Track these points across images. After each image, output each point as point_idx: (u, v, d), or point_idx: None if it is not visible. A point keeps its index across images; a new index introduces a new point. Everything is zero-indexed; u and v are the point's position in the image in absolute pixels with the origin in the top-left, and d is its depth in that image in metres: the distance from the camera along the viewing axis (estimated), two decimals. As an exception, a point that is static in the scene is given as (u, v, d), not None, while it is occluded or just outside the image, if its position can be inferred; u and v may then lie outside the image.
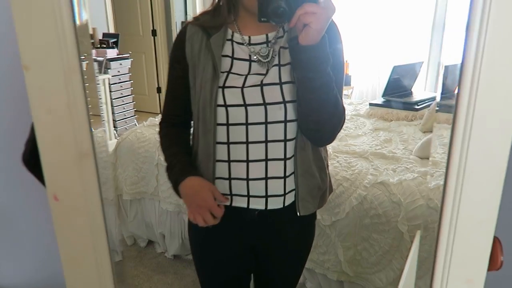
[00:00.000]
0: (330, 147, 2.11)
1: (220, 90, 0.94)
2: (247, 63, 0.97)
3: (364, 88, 4.71)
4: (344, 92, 4.65)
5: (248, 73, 0.96)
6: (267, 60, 0.96)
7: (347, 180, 1.79)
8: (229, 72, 0.96)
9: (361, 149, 2.08)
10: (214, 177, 1.00)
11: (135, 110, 4.39)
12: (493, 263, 0.49)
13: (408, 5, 4.10)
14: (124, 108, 4.22)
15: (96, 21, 4.21)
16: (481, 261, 0.47)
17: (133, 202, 2.33)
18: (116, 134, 4.06)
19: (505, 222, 0.75)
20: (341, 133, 2.40)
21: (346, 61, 4.59)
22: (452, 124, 0.48)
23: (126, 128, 4.11)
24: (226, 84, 0.95)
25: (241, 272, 1.17)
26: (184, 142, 1.09)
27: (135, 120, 4.36)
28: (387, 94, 2.82)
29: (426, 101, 2.76)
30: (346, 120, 2.71)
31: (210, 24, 0.99)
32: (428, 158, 1.93)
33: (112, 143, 3.55)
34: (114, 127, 4.11)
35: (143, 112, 5.05)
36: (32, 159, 0.47)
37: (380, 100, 2.86)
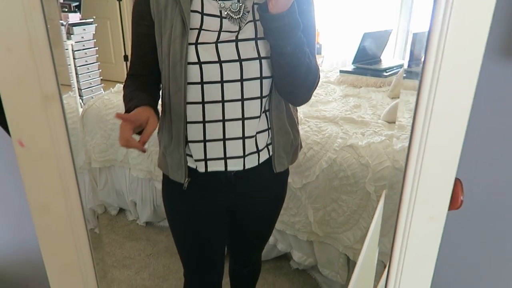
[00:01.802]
0: (301, 113, 2.13)
1: (193, 46, 0.91)
2: (218, 19, 0.94)
3: (335, 57, 4.73)
4: (315, 61, 4.65)
5: (220, 29, 0.93)
6: (238, 16, 0.94)
7: (317, 144, 1.82)
8: (200, 28, 0.93)
9: (331, 114, 2.11)
10: (186, 140, 0.98)
11: (101, 79, 4.24)
12: (454, 202, 0.52)
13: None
14: (89, 76, 4.07)
15: (56, -17, 3.97)
16: (443, 200, 0.50)
17: (102, 170, 2.29)
18: (82, 103, 3.93)
19: (466, 163, 0.80)
20: (312, 99, 2.42)
21: (317, 30, 4.57)
22: (418, 89, 0.49)
23: (92, 97, 3.98)
24: (199, 41, 0.91)
25: (217, 233, 1.18)
26: (150, 91, 1.01)
27: (102, 89, 4.22)
28: (357, 61, 2.84)
29: (394, 68, 2.81)
30: (317, 87, 2.73)
31: None
32: (395, 122, 1.99)
33: (78, 112, 3.44)
34: (80, 95, 3.97)
35: (110, 81, 4.88)
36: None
37: (350, 67, 2.88)
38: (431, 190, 0.50)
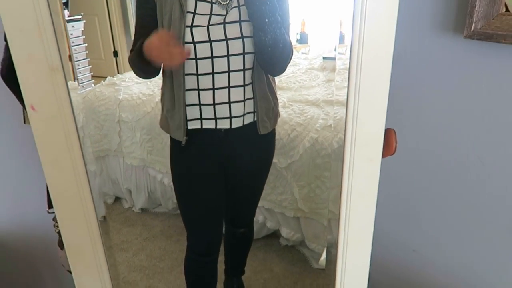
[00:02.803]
0: (285, 97, 2.23)
1: (188, 29, 1.08)
2: (209, 4, 1.11)
3: (321, 45, 4.82)
4: (302, 50, 4.75)
5: (211, 13, 1.10)
6: (226, 2, 1.11)
7: (300, 125, 1.93)
8: (194, 12, 1.09)
9: (314, 98, 2.22)
10: (185, 104, 1.16)
11: (91, 75, 4.30)
12: (389, 149, 0.63)
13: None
14: (80, 72, 4.12)
15: (42, -18, 4.01)
16: (377, 146, 0.61)
17: (97, 160, 2.38)
18: (74, 100, 3.99)
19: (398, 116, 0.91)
20: (296, 85, 2.53)
21: (303, 19, 4.65)
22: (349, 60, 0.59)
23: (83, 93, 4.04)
24: (194, 24, 1.09)
25: (213, 188, 1.34)
26: None
27: (92, 85, 4.28)
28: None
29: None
30: (301, 73, 2.83)
31: None
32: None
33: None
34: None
35: (100, 77, 4.93)
36: (9, 75, 0.55)
37: (333, 53, 2.98)
38: (368, 136, 0.61)
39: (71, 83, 0.57)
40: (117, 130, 2.24)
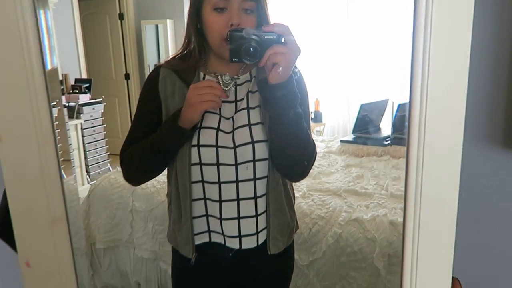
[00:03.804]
0: (304, 186, 2.14)
1: (197, 131, 0.98)
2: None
3: (336, 123, 4.84)
4: (317, 128, 4.77)
5: (220, 114, 1.00)
6: (233, 101, 1.02)
7: (322, 218, 1.81)
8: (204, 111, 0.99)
9: (335, 187, 2.12)
10: (192, 216, 1.03)
11: (108, 154, 4.33)
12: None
13: (375, 45, 4.31)
14: (97, 152, 4.17)
15: (68, 67, 4.22)
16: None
17: (106, 250, 2.27)
18: (89, 179, 3.98)
19: (465, 261, 0.79)
20: (315, 171, 2.45)
21: (317, 98, 4.74)
22: (406, 155, 0.52)
23: (99, 173, 4.04)
24: (203, 125, 0.99)
25: None
26: None
27: (109, 164, 4.29)
28: (356, 130, 2.91)
29: (394, 136, 2.86)
30: (319, 158, 2.78)
31: (181, 67, 1.03)
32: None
33: (84, 189, 3.48)
34: (87, 171, 4.03)
35: (117, 155, 4.99)
36: (3, 225, 0.47)
37: (350, 136, 2.95)
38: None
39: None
40: (130, 220, 2.15)
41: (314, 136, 3.98)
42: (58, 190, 0.44)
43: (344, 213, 1.81)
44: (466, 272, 0.65)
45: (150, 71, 1.09)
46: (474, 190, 0.80)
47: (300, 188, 2.10)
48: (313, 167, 2.50)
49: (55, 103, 0.53)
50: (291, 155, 0.97)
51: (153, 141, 0.99)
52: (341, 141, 2.93)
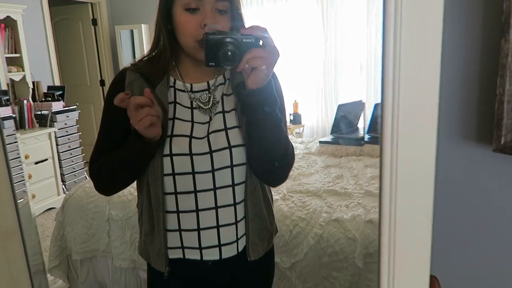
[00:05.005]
0: (284, 188, 2.13)
1: (168, 139, 0.93)
2: (189, 110, 0.97)
3: (315, 125, 4.86)
4: (296, 130, 4.78)
5: (192, 121, 0.96)
6: (207, 106, 0.97)
7: (302, 220, 1.80)
8: (173, 119, 0.95)
9: (314, 187, 2.12)
10: (165, 229, 0.97)
11: (84, 162, 4.23)
12: (434, 303, 0.50)
13: (351, 46, 4.36)
14: (72, 161, 4.06)
15: (40, 74, 4.11)
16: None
17: (83, 261, 2.20)
18: (65, 188, 3.87)
19: (441, 258, 0.79)
20: (294, 173, 2.44)
21: (295, 100, 4.75)
22: (380, 153, 0.50)
23: (75, 182, 3.93)
24: (174, 133, 0.93)
25: None
26: None
27: (85, 173, 4.19)
28: (335, 131, 2.93)
29: (372, 135, 2.89)
30: (298, 159, 2.77)
31: (150, 70, 0.97)
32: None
33: (60, 199, 3.38)
34: (63, 181, 3.92)
35: (94, 163, 4.87)
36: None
37: (329, 137, 2.96)
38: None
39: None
40: (107, 229, 2.09)
41: (293, 138, 3.98)
42: (9, 200, 0.41)
43: (324, 214, 1.81)
44: (442, 269, 0.64)
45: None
46: (448, 185, 0.80)
47: (280, 190, 2.09)
48: (292, 168, 2.49)
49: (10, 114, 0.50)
50: (271, 160, 0.94)
51: (122, 155, 0.93)
52: (320, 142, 2.94)
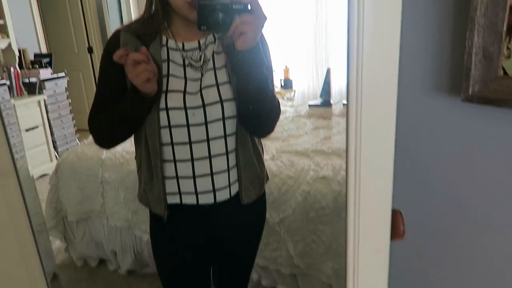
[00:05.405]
0: (273, 149, 2.19)
1: (163, 94, 1.00)
2: (182, 67, 1.03)
3: (306, 89, 4.87)
4: (287, 95, 4.79)
5: (185, 78, 1.02)
6: (199, 64, 1.04)
7: (291, 178, 1.87)
8: (168, 76, 1.02)
9: (303, 148, 2.17)
10: (163, 176, 1.06)
11: (76, 130, 4.24)
12: (396, 233, 0.56)
13: (338, 13, 4.30)
14: (64, 128, 4.07)
15: (26, 42, 4.03)
16: (384, 232, 0.54)
17: (79, 222, 2.26)
18: (57, 155, 3.90)
19: (406, 195, 0.85)
20: (284, 134, 2.49)
21: (286, 66, 4.74)
22: (347, 103, 0.54)
23: (67, 149, 3.96)
24: (169, 89, 1.01)
25: (198, 266, 1.23)
26: None
27: (77, 139, 4.21)
28: (324, 94, 2.95)
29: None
30: (288, 122, 2.81)
31: (143, 31, 1.03)
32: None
33: (53, 165, 3.41)
34: (55, 148, 3.94)
35: (85, 130, 4.87)
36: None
37: (318, 100, 2.99)
38: (371, 223, 0.54)
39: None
40: (100, 191, 2.14)
41: (283, 102, 4.01)
42: (3, 143, 0.45)
43: (312, 172, 1.87)
44: (407, 205, 0.69)
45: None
46: (420, 133, 0.85)
47: (269, 150, 2.14)
48: (282, 131, 2.54)
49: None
50: (258, 114, 1.02)
51: (120, 110, 1.00)
52: (309, 105, 2.97)
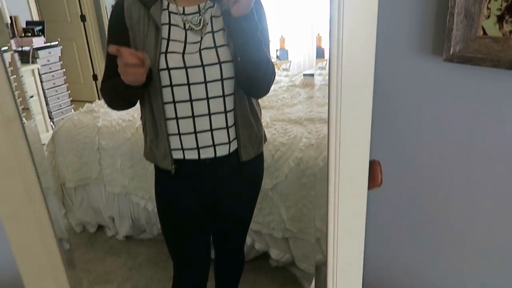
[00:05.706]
0: (268, 117, 2.22)
1: (163, 55, 1.06)
2: (183, 31, 1.09)
3: (302, 60, 4.86)
4: (283, 66, 4.78)
5: (185, 41, 1.08)
6: (199, 28, 1.09)
7: (284, 145, 1.91)
8: (168, 39, 1.07)
9: (296, 116, 2.21)
10: (167, 133, 1.13)
11: (71, 100, 4.23)
12: (374, 181, 0.60)
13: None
14: (58, 98, 4.06)
15: (16, 9, 3.96)
16: (361, 179, 0.58)
17: (77, 189, 2.31)
18: (53, 125, 3.91)
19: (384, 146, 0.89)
20: (278, 103, 2.52)
21: (282, 36, 4.70)
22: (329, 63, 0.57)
23: (63, 119, 3.96)
24: (169, 50, 1.06)
25: (202, 219, 1.29)
26: None
27: (72, 110, 4.21)
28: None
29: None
30: (282, 91, 2.82)
31: None
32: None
33: (49, 135, 3.43)
34: (50, 118, 3.95)
35: (80, 101, 4.85)
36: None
37: (312, 70, 3.00)
38: (351, 171, 0.58)
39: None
40: (97, 158, 2.18)
41: (279, 73, 4.01)
42: (8, 92, 0.48)
43: (304, 139, 1.91)
44: (386, 155, 0.74)
45: (108, 12, 1.12)
46: (406, 92, 0.89)
47: (263, 119, 2.17)
48: (276, 100, 2.56)
49: (6, 48, 0.55)
50: (254, 76, 1.09)
51: (116, 87, 1.05)
52: (304, 74, 2.99)
